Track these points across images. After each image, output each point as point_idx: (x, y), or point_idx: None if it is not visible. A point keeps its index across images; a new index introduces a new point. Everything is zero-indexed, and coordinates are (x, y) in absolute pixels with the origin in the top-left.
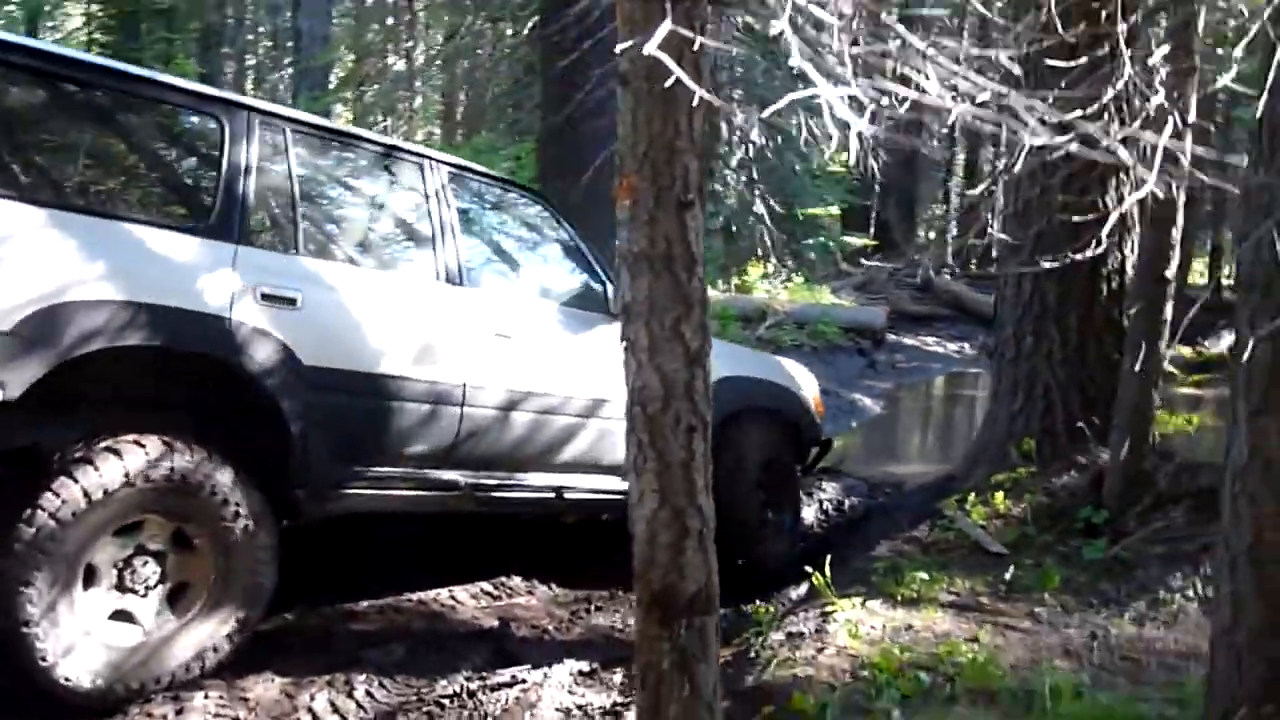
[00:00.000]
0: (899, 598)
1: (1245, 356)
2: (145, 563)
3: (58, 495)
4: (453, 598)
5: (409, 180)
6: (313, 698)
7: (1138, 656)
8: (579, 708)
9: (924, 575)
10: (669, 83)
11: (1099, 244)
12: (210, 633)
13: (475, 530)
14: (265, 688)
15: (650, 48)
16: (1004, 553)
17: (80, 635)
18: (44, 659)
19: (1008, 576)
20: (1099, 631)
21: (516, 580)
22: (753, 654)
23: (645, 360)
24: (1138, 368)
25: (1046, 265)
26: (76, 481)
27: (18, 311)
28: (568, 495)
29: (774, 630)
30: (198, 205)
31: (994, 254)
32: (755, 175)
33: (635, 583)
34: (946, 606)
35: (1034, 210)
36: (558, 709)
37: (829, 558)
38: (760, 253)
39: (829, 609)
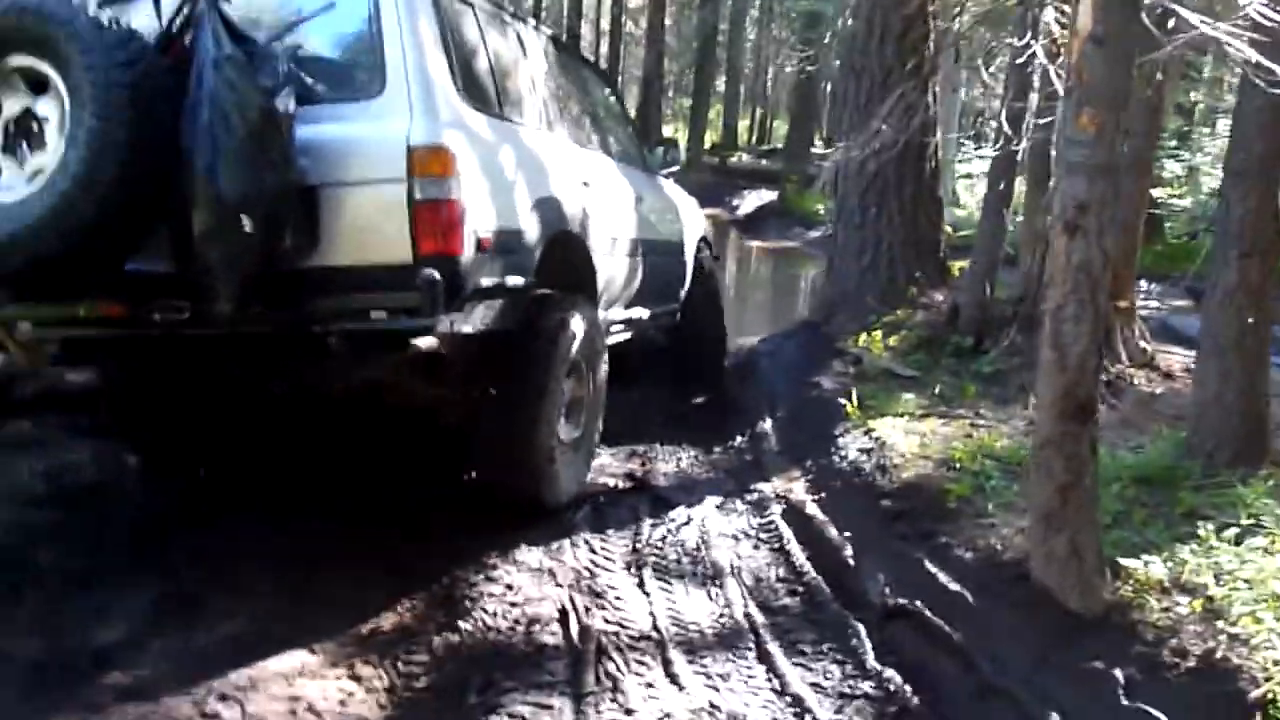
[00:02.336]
0: (901, 415)
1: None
2: (574, 393)
3: (565, 346)
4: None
5: (584, 70)
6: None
7: None
8: (581, 569)
9: (907, 395)
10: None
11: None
12: (590, 447)
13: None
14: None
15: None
16: (915, 375)
17: (566, 454)
18: (557, 478)
19: (937, 391)
20: (1028, 420)
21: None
22: (845, 466)
23: (1094, 240)
24: (991, 228)
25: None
26: (564, 337)
27: (527, 201)
28: (649, 318)
29: (837, 449)
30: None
31: None
32: None
33: (1057, 399)
34: (929, 417)
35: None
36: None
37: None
38: None
39: (866, 429)
